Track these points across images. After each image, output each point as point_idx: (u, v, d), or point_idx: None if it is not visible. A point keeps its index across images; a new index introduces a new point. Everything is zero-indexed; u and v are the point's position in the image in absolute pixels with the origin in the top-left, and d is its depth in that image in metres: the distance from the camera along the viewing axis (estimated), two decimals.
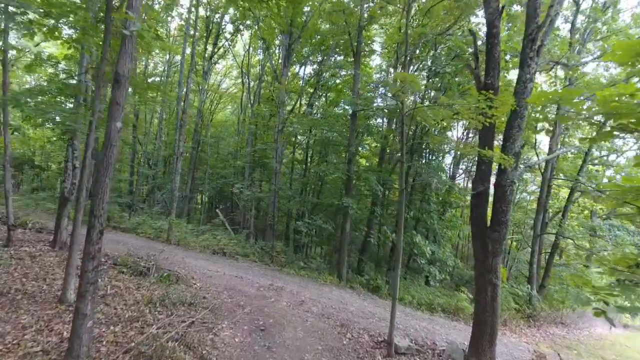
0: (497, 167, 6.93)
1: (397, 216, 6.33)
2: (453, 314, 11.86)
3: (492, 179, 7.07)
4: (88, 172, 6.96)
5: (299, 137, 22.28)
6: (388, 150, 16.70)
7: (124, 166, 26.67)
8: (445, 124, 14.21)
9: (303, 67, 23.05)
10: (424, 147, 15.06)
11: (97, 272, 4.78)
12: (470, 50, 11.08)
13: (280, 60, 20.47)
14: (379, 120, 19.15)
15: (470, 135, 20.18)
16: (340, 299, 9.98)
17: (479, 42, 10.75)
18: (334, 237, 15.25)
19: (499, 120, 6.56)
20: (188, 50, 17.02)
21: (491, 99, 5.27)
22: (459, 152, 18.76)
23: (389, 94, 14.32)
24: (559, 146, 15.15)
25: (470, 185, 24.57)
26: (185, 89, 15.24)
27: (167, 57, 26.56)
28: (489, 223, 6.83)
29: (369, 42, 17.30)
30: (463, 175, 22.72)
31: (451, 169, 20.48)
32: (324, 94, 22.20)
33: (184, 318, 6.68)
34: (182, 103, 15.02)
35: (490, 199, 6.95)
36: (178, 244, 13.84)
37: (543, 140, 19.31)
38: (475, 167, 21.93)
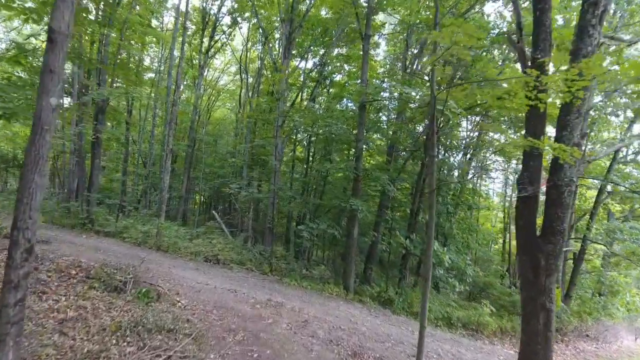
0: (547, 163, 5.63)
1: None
2: (475, 330, 10.53)
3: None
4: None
5: (300, 134, 21.01)
6: (396, 147, 15.38)
7: (118, 165, 25.44)
8: (460, 116, 12.85)
9: (305, 62, 21.82)
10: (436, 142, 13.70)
11: (23, 308, 3.46)
12: (496, 32, 9.77)
13: (280, 52, 19.21)
14: (383, 117, 17.85)
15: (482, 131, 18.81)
16: (349, 317, 8.65)
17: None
18: (339, 242, 13.93)
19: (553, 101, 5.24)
20: (181, 43, 15.68)
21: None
22: (470, 148, 17.41)
23: (397, 86, 13.00)
24: (585, 141, 13.79)
25: (480, 185, 23.23)
26: (175, 80, 13.89)
27: (161, 53, 25.28)
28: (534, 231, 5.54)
29: (376, 32, 15.98)
30: (471, 174, 21.32)
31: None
32: (326, 89, 20.88)
33: (159, 351, 5.36)
34: (172, 95, 13.69)
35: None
36: (167, 250, 12.52)
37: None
38: (503, 165, 20.46)
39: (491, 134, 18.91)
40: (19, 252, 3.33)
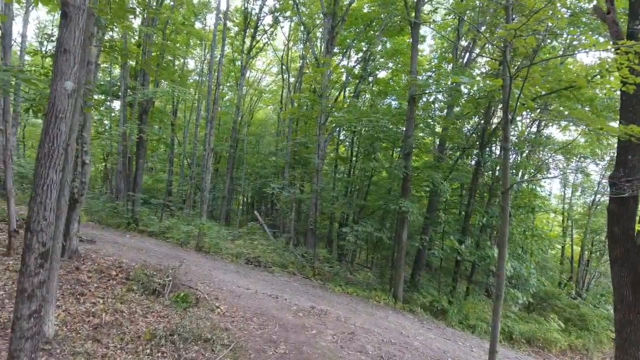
0: None
1: (500, 228, 4.16)
2: (541, 347, 9.40)
3: None
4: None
5: (343, 133, 20.42)
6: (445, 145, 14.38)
7: (165, 166, 26.04)
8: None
9: (347, 60, 21.21)
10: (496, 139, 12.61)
11: (39, 320, 3.06)
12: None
13: (322, 48, 18.72)
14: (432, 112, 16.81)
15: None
16: (400, 329, 7.89)
17: None
18: (385, 244, 13.14)
19: None
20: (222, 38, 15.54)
21: None
22: (530, 145, 15.94)
23: (450, 75, 12.01)
24: None
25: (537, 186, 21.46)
26: (216, 78, 13.69)
27: (204, 56, 25.55)
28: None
29: (426, 20, 15.00)
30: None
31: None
32: (370, 84, 20.10)
33: None
34: (213, 93, 13.50)
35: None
36: (208, 251, 12.30)
37: None
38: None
39: (547, 131, 17.33)
40: (33, 257, 2.93)
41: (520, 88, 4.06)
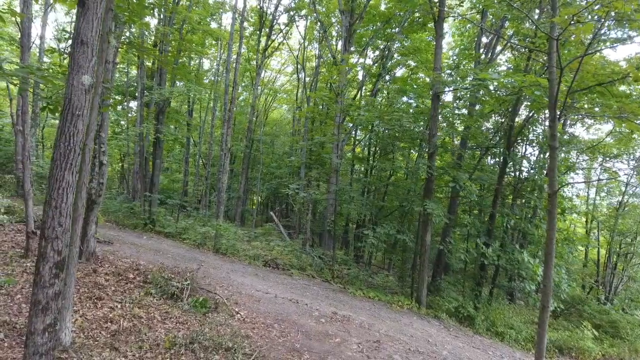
0: None
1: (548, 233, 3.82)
2: (574, 357, 8.91)
3: None
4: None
5: (359, 133, 20.10)
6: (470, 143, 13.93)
7: (181, 167, 26.08)
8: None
9: (364, 59, 20.85)
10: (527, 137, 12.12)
11: (53, 335, 2.83)
12: None
13: (339, 47, 18.42)
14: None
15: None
16: (427, 337, 7.53)
17: None
18: (406, 246, 12.77)
19: None
20: (239, 37, 15.37)
21: None
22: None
23: (477, 71, 11.55)
24: None
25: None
26: (233, 77, 13.51)
27: (220, 56, 25.46)
28: None
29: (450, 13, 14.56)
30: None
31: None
32: (388, 83, 19.72)
33: None
34: (230, 90, 13.30)
35: None
36: (225, 253, 12.11)
37: None
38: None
39: (571, 130, 16.69)
40: (48, 267, 2.70)
41: (572, 81, 3.69)
